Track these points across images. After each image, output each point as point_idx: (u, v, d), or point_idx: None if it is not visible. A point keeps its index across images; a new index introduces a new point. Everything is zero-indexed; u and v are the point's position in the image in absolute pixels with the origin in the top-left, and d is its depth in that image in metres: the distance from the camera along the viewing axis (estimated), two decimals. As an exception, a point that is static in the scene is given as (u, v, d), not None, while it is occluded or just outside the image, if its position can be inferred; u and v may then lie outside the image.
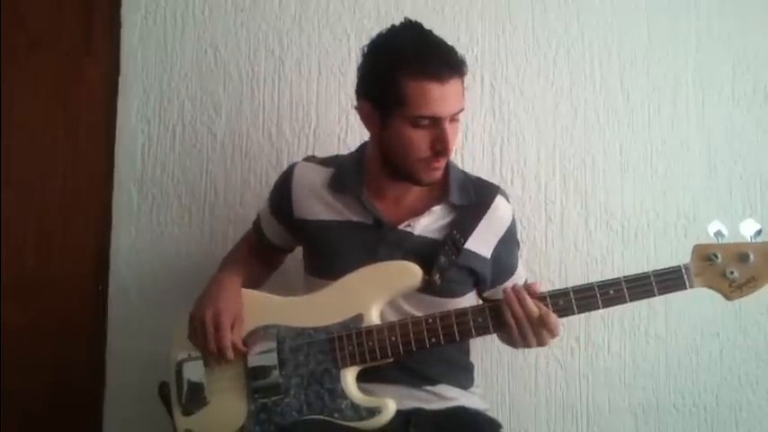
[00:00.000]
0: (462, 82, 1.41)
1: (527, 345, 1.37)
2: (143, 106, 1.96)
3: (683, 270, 1.35)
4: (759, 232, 1.34)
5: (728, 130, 1.91)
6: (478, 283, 1.53)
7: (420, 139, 1.39)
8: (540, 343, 1.36)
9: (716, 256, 1.34)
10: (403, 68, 1.35)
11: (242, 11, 1.96)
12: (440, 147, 1.40)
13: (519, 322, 1.34)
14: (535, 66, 1.92)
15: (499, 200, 1.53)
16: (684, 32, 1.92)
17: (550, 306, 1.36)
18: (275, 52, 1.95)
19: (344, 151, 1.76)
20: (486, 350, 1.83)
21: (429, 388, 1.49)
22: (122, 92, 1.97)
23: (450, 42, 1.42)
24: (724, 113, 1.91)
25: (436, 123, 1.38)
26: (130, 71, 1.97)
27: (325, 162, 1.60)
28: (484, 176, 1.64)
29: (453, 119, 1.41)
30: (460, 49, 1.42)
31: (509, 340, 1.42)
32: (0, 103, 1.96)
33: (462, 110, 1.42)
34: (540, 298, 1.36)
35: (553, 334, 1.36)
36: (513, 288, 1.37)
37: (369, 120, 1.47)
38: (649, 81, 1.91)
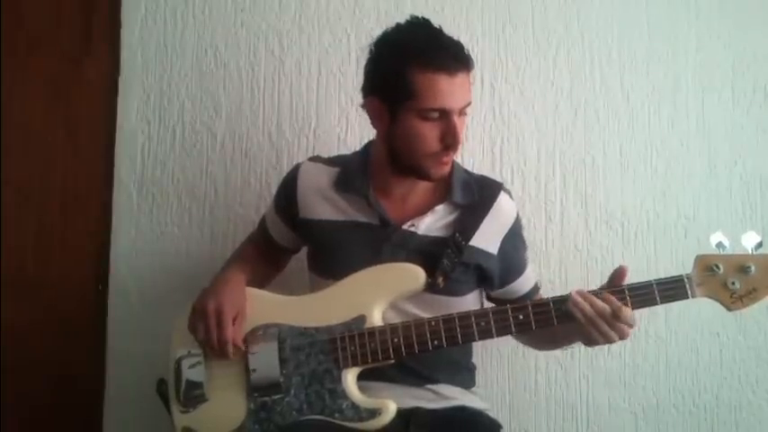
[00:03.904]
0: (469, 76, 1.41)
1: (608, 341, 1.34)
2: (143, 106, 1.96)
3: (686, 280, 1.36)
4: (760, 244, 1.36)
5: (728, 130, 1.91)
6: (485, 281, 1.53)
7: (429, 133, 1.39)
8: (622, 336, 1.34)
9: (718, 267, 1.36)
10: (412, 61, 1.36)
11: (242, 11, 1.96)
12: (450, 140, 1.39)
13: (593, 321, 1.32)
14: (535, 66, 1.92)
15: (502, 197, 1.53)
16: (684, 32, 1.92)
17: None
18: (275, 52, 1.95)
19: (344, 151, 1.76)
20: (486, 350, 1.83)
21: (430, 387, 1.49)
22: (122, 92, 1.97)
23: (450, 42, 1.42)
24: (724, 113, 1.91)
25: (445, 116, 1.38)
26: (130, 71, 1.97)
27: (330, 161, 1.59)
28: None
29: (461, 112, 1.41)
30: (461, 49, 1.42)
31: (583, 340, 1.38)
32: (0, 104, 1.96)
33: (470, 103, 1.42)
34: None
35: (630, 325, 1.33)
36: (578, 292, 1.34)
37: (377, 116, 1.46)
38: (649, 81, 1.91)
